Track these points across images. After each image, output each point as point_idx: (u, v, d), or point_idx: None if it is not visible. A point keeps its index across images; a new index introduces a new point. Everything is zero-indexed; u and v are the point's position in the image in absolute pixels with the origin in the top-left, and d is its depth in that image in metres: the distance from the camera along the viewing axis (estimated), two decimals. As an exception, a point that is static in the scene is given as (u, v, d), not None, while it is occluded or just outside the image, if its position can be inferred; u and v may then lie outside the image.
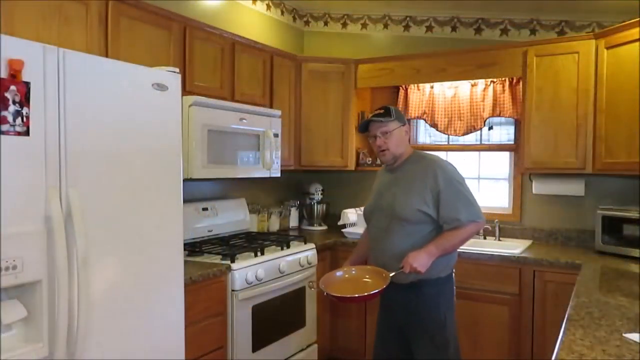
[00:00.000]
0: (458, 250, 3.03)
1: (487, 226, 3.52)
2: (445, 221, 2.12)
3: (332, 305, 3.42)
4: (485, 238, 3.49)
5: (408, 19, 3.84)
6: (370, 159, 3.88)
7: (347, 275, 2.21)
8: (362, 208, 3.47)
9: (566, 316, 1.70)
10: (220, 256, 2.60)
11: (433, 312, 2.17)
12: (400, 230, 2.17)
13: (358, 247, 2.54)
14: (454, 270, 2.32)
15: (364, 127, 2.26)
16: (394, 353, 2.30)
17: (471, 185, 3.72)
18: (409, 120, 3.83)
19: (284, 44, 3.94)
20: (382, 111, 2.21)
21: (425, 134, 3.95)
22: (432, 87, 3.72)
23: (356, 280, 2.16)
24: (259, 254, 2.71)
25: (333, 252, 3.41)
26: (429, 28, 3.78)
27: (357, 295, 2.05)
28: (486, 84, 3.51)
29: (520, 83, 3.29)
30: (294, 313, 2.93)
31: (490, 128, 3.64)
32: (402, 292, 2.17)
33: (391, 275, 2.04)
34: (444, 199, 2.11)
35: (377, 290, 2.01)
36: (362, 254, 2.47)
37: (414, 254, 2.06)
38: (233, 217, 3.27)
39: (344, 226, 3.69)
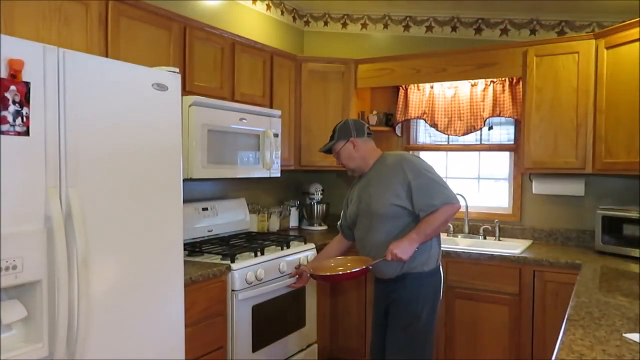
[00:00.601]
0: (458, 250, 3.05)
1: (487, 226, 3.53)
2: (421, 209, 2.18)
3: (333, 305, 3.43)
4: (485, 238, 3.50)
5: (408, 19, 3.84)
6: (370, 159, 3.87)
7: (333, 263, 2.43)
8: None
9: (566, 316, 1.70)
10: (220, 256, 2.60)
11: (411, 304, 2.23)
12: (380, 227, 2.25)
13: (320, 254, 2.70)
14: (440, 265, 2.35)
15: (328, 152, 2.44)
16: (379, 340, 2.38)
17: (471, 184, 3.74)
18: (408, 120, 3.84)
19: (284, 44, 3.94)
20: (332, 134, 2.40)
21: (425, 134, 3.95)
22: (432, 87, 3.71)
23: (341, 265, 2.38)
24: (259, 254, 2.71)
25: (333, 252, 3.40)
26: (429, 28, 3.78)
27: (340, 273, 2.26)
28: (486, 84, 3.51)
29: (520, 83, 3.29)
30: (294, 313, 2.93)
31: (490, 128, 3.64)
32: (388, 284, 2.29)
33: (375, 262, 2.17)
34: (415, 188, 2.18)
35: (357, 269, 2.19)
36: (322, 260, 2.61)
37: (396, 242, 2.14)
38: (233, 217, 3.27)
39: (344, 226, 3.69)
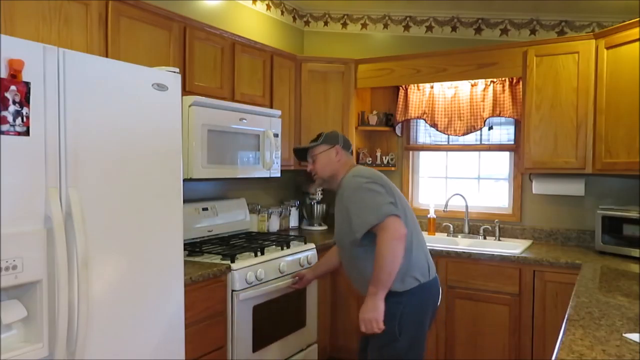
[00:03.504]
0: (458, 250, 3.05)
1: (487, 226, 3.53)
2: (357, 230, 1.97)
3: (333, 305, 3.42)
4: (485, 238, 3.50)
5: (408, 19, 3.84)
6: (370, 158, 3.88)
7: None
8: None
9: (566, 316, 1.70)
10: (220, 256, 2.60)
11: (386, 324, 1.95)
12: (350, 251, 2.10)
13: (321, 261, 2.68)
14: (428, 282, 2.07)
15: (301, 156, 2.31)
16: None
17: (471, 184, 3.74)
18: (408, 120, 3.84)
19: (284, 44, 3.94)
20: (314, 137, 2.27)
21: (425, 134, 3.95)
22: (432, 87, 3.72)
23: None
24: (259, 254, 2.71)
25: (333, 252, 3.41)
26: (429, 28, 3.78)
27: None
28: (486, 84, 3.51)
29: (520, 83, 3.29)
30: (294, 313, 2.93)
31: (490, 128, 3.64)
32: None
33: None
34: (349, 213, 2.01)
35: None
36: (325, 269, 2.63)
37: (362, 309, 1.93)
38: (233, 217, 3.27)
39: (344, 226, 3.68)
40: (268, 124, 3.05)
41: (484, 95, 3.53)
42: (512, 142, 3.58)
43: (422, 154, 3.96)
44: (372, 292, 1.91)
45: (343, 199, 2.07)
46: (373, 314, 1.90)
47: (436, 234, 3.68)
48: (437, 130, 3.72)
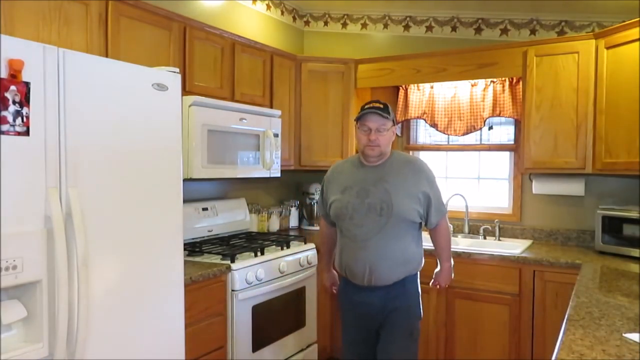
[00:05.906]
0: (458, 250, 3.06)
1: (487, 226, 3.53)
2: (434, 215, 2.25)
3: (333, 306, 3.42)
4: (485, 238, 3.50)
5: (408, 19, 3.84)
6: (370, 159, 3.87)
7: None
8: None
9: (566, 316, 1.70)
10: (220, 256, 2.61)
11: (414, 307, 2.25)
12: (396, 229, 2.14)
13: (327, 251, 2.53)
14: None
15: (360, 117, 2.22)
16: (369, 355, 2.29)
17: (471, 184, 3.75)
18: (408, 120, 3.84)
19: (284, 44, 3.94)
20: (381, 106, 2.17)
21: (425, 134, 3.95)
22: (432, 87, 3.72)
23: None
24: (259, 254, 2.71)
25: (333, 252, 3.40)
26: (429, 28, 3.78)
27: None
28: (486, 84, 3.51)
29: (520, 83, 3.29)
30: (294, 313, 2.93)
31: (490, 128, 3.64)
32: (385, 291, 2.17)
33: None
34: (433, 199, 2.23)
35: None
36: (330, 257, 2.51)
37: (444, 276, 2.40)
38: (233, 217, 3.27)
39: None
40: (268, 124, 3.05)
41: (484, 95, 3.53)
42: (512, 142, 3.58)
43: (422, 154, 3.96)
44: (451, 265, 2.41)
45: (423, 176, 2.22)
46: (447, 282, 2.44)
47: (436, 234, 3.68)
48: (437, 130, 3.72)
